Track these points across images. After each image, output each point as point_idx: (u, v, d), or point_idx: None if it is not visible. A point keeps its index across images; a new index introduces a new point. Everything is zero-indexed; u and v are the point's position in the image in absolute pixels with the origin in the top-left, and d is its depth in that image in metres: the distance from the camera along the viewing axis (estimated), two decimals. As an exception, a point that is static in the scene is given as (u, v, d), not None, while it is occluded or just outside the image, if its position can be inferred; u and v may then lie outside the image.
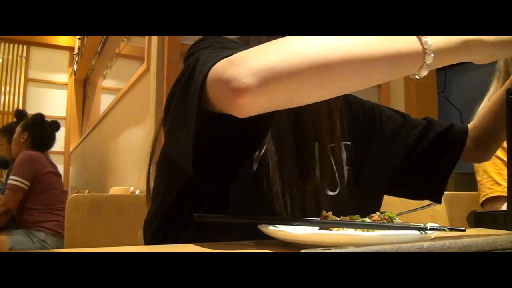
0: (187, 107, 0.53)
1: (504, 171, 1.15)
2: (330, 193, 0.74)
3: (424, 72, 0.51)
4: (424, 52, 0.50)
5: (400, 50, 0.49)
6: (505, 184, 1.13)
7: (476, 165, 1.26)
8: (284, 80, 0.47)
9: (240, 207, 0.66)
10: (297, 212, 0.66)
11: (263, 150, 0.66)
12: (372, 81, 0.52)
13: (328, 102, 0.74)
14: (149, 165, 0.71)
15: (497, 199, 1.16)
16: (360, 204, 0.74)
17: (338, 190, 0.75)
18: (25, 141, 2.60)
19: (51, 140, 2.76)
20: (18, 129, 2.64)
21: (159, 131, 0.69)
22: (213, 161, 0.58)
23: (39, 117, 2.77)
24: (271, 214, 0.64)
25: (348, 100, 0.86)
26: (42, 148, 2.65)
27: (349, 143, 0.81)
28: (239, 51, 0.50)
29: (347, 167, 0.78)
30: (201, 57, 0.55)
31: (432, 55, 0.50)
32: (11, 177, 2.39)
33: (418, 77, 0.53)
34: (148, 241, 0.72)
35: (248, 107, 0.48)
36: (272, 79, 0.46)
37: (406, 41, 0.50)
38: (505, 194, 1.13)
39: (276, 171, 0.64)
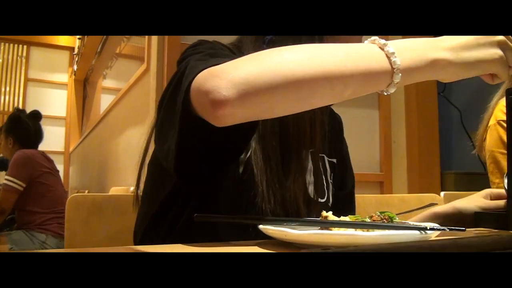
0: (174, 111, 0.55)
1: None
2: (320, 200, 0.76)
3: (392, 90, 0.54)
4: (392, 71, 0.52)
5: (371, 69, 0.52)
6: None
7: (488, 163, 1.25)
8: (262, 94, 0.48)
9: (226, 208, 0.66)
10: (281, 213, 0.67)
11: (249, 153, 0.67)
12: (345, 96, 0.54)
13: (316, 111, 0.76)
14: (141, 167, 0.72)
15: None
16: None
17: (325, 198, 0.78)
18: (13, 145, 2.54)
19: (38, 133, 2.67)
20: (1, 136, 2.57)
21: (152, 133, 0.70)
22: (197, 164, 0.60)
23: (15, 115, 2.68)
24: (256, 214, 0.65)
25: (334, 118, 0.90)
26: (33, 144, 2.58)
27: (335, 160, 0.84)
28: (226, 61, 0.51)
29: (331, 181, 0.82)
30: (190, 63, 0.56)
31: (400, 74, 0.52)
32: (5, 177, 2.36)
33: (385, 93, 0.55)
34: (137, 242, 0.73)
35: (227, 118, 0.49)
36: (250, 92, 0.48)
37: (376, 59, 0.52)
38: None
39: (262, 174, 0.66)
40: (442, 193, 1.31)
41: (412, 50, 0.53)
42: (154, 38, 1.98)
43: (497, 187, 1.22)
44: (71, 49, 6.18)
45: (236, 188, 0.66)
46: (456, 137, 2.47)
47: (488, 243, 0.36)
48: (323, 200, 0.77)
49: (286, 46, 0.52)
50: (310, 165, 0.76)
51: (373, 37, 0.54)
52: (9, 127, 2.61)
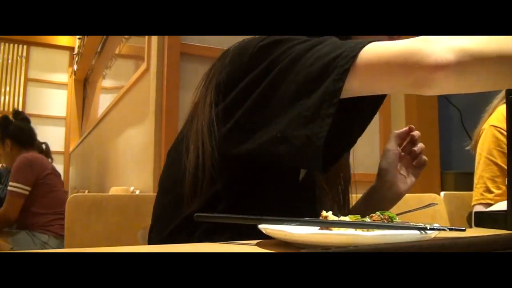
0: (318, 95, 0.53)
1: (499, 179, 1.18)
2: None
3: None
4: None
5: None
6: (496, 191, 1.17)
7: (475, 166, 1.28)
8: (476, 64, 0.49)
9: (281, 211, 0.62)
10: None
11: None
12: None
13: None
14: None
15: (487, 206, 1.20)
16: None
17: None
18: (11, 148, 2.49)
19: (32, 131, 2.61)
20: None
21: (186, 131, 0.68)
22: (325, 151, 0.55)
23: (4, 117, 2.61)
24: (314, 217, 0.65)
25: None
26: (31, 142, 2.54)
27: None
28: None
29: None
30: (324, 46, 0.55)
31: None
32: (10, 183, 2.31)
33: None
34: (162, 239, 0.71)
35: (440, 83, 0.50)
36: (467, 59, 0.49)
37: None
38: (494, 202, 1.16)
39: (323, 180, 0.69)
40: (442, 193, 1.31)
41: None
42: (154, 38, 1.98)
43: (474, 188, 1.24)
44: (71, 49, 6.18)
45: (295, 193, 0.67)
46: (456, 137, 2.46)
47: (488, 243, 0.36)
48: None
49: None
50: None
51: None
52: (1, 131, 2.53)
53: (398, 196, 0.82)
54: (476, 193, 1.23)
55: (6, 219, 2.31)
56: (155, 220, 0.76)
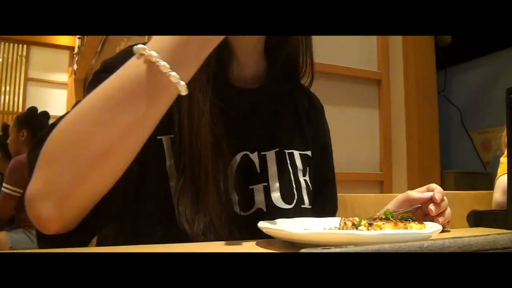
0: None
1: None
2: (286, 206, 0.68)
3: (182, 89, 0.48)
4: (174, 85, 0.47)
5: (151, 94, 0.48)
6: None
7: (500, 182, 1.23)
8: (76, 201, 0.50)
9: (159, 222, 0.60)
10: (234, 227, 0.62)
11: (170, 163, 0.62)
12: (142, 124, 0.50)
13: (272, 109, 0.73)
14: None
15: None
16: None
17: (294, 203, 0.69)
18: (25, 139, 2.53)
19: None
20: (13, 128, 2.57)
21: None
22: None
23: (33, 109, 2.70)
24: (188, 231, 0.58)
25: (316, 111, 0.83)
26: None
27: (309, 153, 0.75)
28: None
29: (305, 178, 0.73)
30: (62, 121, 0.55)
31: (182, 82, 0.47)
32: (4, 184, 2.38)
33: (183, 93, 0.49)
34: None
35: (53, 230, 0.53)
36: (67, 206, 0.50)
37: (153, 82, 0.47)
38: None
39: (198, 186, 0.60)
40: (442, 193, 1.30)
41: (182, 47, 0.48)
42: (154, 38, 1.98)
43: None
44: (71, 48, 6.18)
45: (169, 202, 0.60)
46: (456, 136, 2.47)
47: (488, 243, 0.36)
48: (290, 206, 0.68)
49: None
50: (274, 169, 0.68)
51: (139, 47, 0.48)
52: (26, 119, 2.61)
53: None
54: None
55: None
56: None
